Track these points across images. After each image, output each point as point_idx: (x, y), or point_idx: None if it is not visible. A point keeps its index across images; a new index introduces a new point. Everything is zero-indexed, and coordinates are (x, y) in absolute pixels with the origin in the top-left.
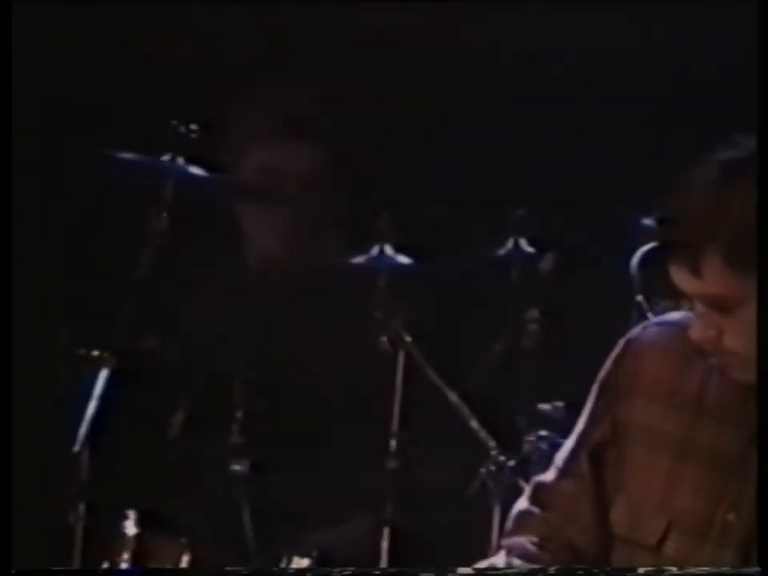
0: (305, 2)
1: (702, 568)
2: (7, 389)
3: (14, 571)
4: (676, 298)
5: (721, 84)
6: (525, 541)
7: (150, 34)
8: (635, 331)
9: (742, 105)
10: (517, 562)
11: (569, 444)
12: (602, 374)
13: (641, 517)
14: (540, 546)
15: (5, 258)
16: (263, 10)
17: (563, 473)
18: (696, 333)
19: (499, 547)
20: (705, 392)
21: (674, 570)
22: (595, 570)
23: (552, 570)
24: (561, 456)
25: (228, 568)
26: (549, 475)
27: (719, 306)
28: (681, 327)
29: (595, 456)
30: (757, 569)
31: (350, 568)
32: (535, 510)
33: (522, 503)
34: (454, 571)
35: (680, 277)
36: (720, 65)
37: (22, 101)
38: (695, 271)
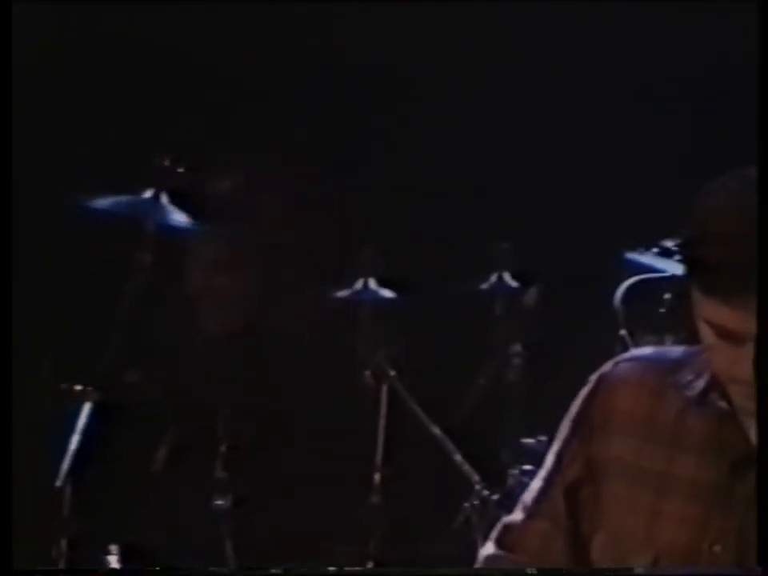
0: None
1: (701, 568)
2: (7, 422)
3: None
4: (659, 332)
5: (721, 86)
6: None
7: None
8: (606, 367)
9: (743, 119)
10: None
11: (537, 483)
12: (573, 411)
13: (626, 553)
14: None
15: (4, 290)
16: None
17: (534, 513)
18: (714, 364)
19: None
20: (681, 425)
21: (672, 570)
22: (580, 570)
23: (534, 570)
24: (529, 496)
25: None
26: (517, 516)
27: (736, 336)
28: (653, 361)
29: (570, 494)
30: (757, 569)
31: (346, 568)
32: (503, 553)
33: (488, 548)
34: (445, 570)
35: (709, 305)
36: (720, 65)
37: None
38: (728, 299)
